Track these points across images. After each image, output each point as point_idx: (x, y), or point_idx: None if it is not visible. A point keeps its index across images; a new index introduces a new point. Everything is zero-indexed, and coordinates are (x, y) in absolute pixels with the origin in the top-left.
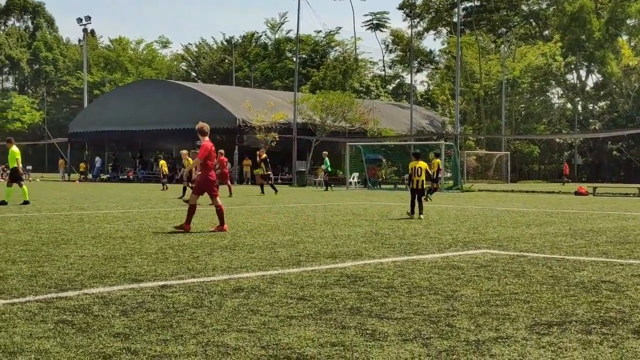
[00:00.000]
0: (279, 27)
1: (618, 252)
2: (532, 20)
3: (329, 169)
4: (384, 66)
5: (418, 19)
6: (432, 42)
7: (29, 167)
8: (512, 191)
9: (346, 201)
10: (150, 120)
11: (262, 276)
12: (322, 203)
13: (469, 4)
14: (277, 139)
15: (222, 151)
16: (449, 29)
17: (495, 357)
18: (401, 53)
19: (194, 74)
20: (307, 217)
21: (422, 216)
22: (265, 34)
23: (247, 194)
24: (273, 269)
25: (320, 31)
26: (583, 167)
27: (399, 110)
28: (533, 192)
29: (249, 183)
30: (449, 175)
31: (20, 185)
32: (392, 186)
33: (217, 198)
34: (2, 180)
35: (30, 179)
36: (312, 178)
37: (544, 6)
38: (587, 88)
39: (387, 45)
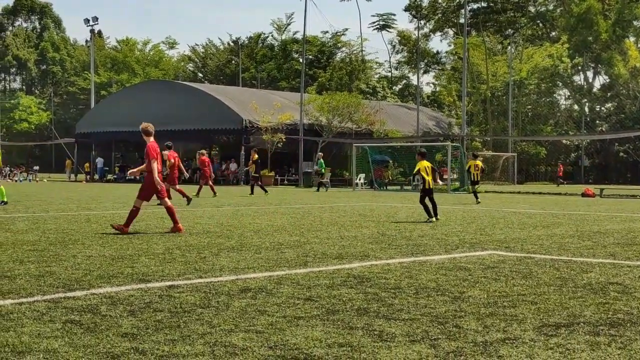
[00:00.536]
0: (286, 28)
1: (625, 254)
2: (539, 21)
3: (323, 170)
4: (390, 67)
5: (424, 21)
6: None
7: (36, 168)
8: (519, 192)
9: (352, 202)
10: (156, 121)
11: (269, 277)
12: (328, 204)
13: (475, 5)
14: (284, 139)
15: (203, 151)
16: (455, 30)
17: (503, 358)
18: (408, 54)
19: (200, 74)
20: (313, 218)
21: (438, 217)
22: (272, 35)
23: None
24: (280, 270)
25: (327, 32)
26: (590, 169)
27: (405, 112)
28: (540, 193)
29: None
30: (455, 176)
31: None
32: (398, 187)
33: (166, 199)
34: (9, 180)
35: (37, 179)
36: (318, 179)
37: (551, 7)
38: (594, 89)
39: (394, 46)
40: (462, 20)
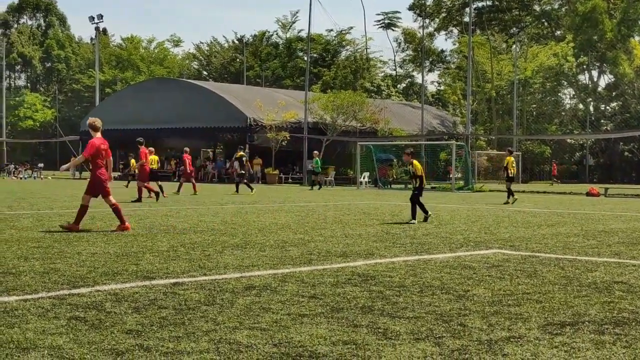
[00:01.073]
0: (290, 26)
1: (630, 253)
2: (544, 20)
3: (319, 168)
4: (395, 66)
5: (429, 20)
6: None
7: (41, 165)
8: (524, 192)
9: (357, 201)
10: (161, 118)
11: (274, 274)
12: (332, 202)
13: (480, 4)
14: (288, 138)
15: (187, 149)
16: (460, 29)
17: (508, 356)
18: (412, 53)
19: (205, 72)
20: (318, 216)
21: (415, 220)
22: (277, 33)
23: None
24: (284, 268)
25: (332, 30)
26: (594, 168)
27: (410, 110)
28: (544, 192)
29: (259, 182)
30: (459, 175)
31: None
32: (402, 186)
33: (110, 197)
34: (14, 177)
35: (42, 176)
36: (322, 177)
37: (556, 6)
38: (599, 89)
39: (399, 44)
40: (467, 19)
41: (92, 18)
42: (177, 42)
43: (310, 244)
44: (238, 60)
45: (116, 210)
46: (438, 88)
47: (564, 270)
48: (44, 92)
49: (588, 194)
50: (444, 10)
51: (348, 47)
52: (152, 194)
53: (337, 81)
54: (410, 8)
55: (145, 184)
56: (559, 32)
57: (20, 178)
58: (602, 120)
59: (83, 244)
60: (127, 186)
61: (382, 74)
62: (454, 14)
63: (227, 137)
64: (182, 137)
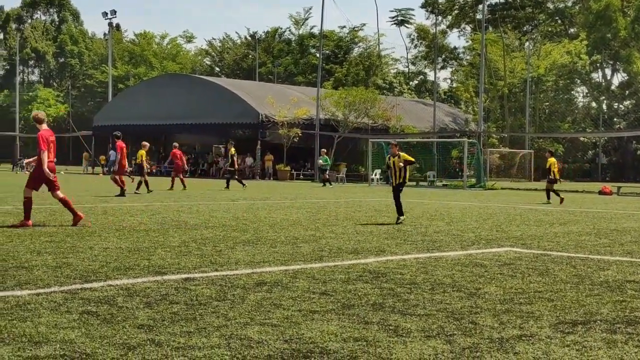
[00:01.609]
0: (303, 22)
1: None
2: (557, 18)
3: (327, 166)
4: (407, 63)
5: (441, 17)
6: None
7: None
8: (536, 190)
9: (368, 197)
10: (173, 114)
11: (285, 271)
12: (344, 199)
13: (493, 1)
14: (300, 134)
15: (176, 144)
16: (473, 26)
17: (519, 354)
18: (426, 49)
19: (217, 68)
20: (329, 213)
21: (402, 218)
22: (290, 30)
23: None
24: (295, 264)
25: (344, 27)
26: (607, 167)
27: (422, 107)
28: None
29: (271, 178)
30: (471, 173)
31: None
32: (414, 183)
33: (58, 191)
34: (26, 172)
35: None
36: (334, 174)
37: (569, 4)
38: (612, 87)
39: (413, 40)
40: (479, 16)
41: (105, 14)
42: (189, 38)
43: (321, 241)
44: (250, 56)
45: (65, 204)
46: (450, 85)
47: (576, 268)
48: (57, 87)
49: (600, 192)
50: (457, 7)
51: (360, 44)
52: (124, 187)
53: (349, 78)
54: (423, 5)
55: (120, 177)
56: (572, 30)
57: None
58: (615, 119)
59: (95, 238)
60: (132, 180)
61: (394, 71)
62: (466, 11)
63: (239, 134)
64: (194, 133)
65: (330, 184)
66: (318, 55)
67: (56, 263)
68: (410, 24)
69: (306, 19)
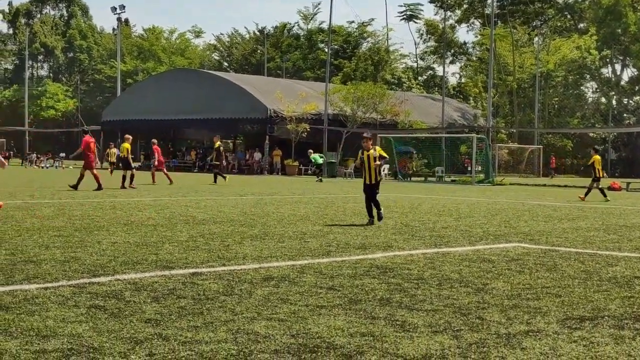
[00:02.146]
0: (312, 17)
1: None
2: (567, 12)
3: (318, 162)
4: (416, 58)
5: (450, 11)
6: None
7: (62, 154)
8: (544, 185)
9: None
10: (181, 109)
11: (292, 265)
12: (352, 194)
13: None
14: (308, 129)
15: (154, 140)
16: (482, 21)
17: (526, 350)
18: (435, 43)
19: (225, 64)
20: (337, 208)
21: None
22: (298, 25)
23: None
24: (303, 259)
25: (353, 22)
26: (616, 162)
27: (430, 103)
28: (565, 186)
29: (279, 173)
30: (479, 168)
31: None
32: (422, 178)
33: None
34: (35, 166)
35: (63, 166)
36: (342, 169)
37: None
38: (622, 82)
39: (422, 35)
40: (488, 11)
41: (114, 8)
42: (198, 33)
43: (329, 236)
44: (259, 51)
45: None
46: (459, 81)
47: (584, 264)
48: (66, 82)
49: (609, 188)
50: (466, 2)
51: (369, 38)
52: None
53: (358, 73)
54: (432, 0)
55: (92, 172)
56: (582, 25)
57: (42, 167)
58: (625, 114)
59: (103, 233)
60: (136, 175)
61: (403, 66)
62: (476, 5)
63: (247, 129)
64: (202, 128)
65: (320, 179)
66: (326, 50)
67: (64, 257)
68: (419, 18)
69: (315, 14)
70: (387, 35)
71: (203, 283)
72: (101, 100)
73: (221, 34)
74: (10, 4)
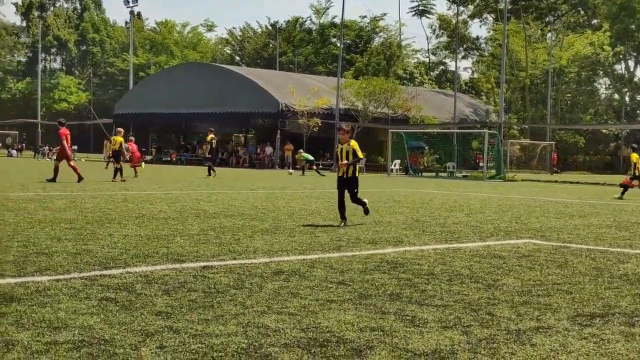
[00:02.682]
0: (324, 12)
1: None
2: (580, 8)
3: (307, 159)
4: (428, 53)
5: (463, 6)
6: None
7: (75, 147)
8: (556, 182)
9: (387, 188)
10: (193, 103)
11: (303, 260)
12: (362, 190)
13: None
14: (320, 124)
15: (132, 138)
16: (495, 17)
17: (536, 346)
18: (447, 38)
19: (237, 58)
20: (347, 203)
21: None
22: (310, 19)
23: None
24: (313, 253)
25: (365, 16)
26: (629, 159)
27: (442, 98)
28: (577, 183)
29: (290, 167)
30: (491, 164)
31: None
32: (434, 174)
33: None
34: (47, 159)
35: (75, 158)
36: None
37: None
38: (636, 79)
39: (434, 30)
40: (502, 6)
41: (127, 2)
42: (210, 27)
43: (339, 230)
44: (271, 45)
45: None
46: (471, 76)
47: (595, 261)
48: (79, 75)
49: (621, 185)
50: None
51: (381, 33)
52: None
53: (370, 68)
54: None
55: (69, 163)
56: (595, 21)
57: (54, 160)
58: (638, 111)
59: (115, 226)
60: (106, 167)
61: (415, 61)
62: (488, 0)
63: (259, 123)
64: (214, 121)
65: (302, 173)
66: (339, 44)
67: (76, 250)
68: (431, 13)
69: (327, 9)
70: (400, 30)
71: (214, 276)
72: (113, 94)
73: (233, 27)
74: None
